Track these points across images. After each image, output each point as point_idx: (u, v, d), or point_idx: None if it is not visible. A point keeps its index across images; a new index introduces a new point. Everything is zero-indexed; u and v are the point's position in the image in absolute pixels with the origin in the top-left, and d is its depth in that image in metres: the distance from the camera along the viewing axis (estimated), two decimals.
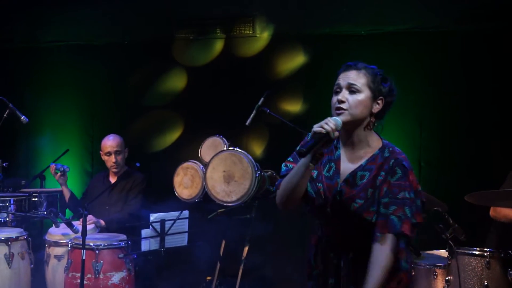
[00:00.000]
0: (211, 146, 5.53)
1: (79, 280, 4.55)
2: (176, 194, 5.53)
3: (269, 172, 5.51)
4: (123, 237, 5.00)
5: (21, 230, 5.23)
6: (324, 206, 2.90)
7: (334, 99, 2.84)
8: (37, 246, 5.30)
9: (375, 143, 2.89)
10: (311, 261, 3.06)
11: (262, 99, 5.26)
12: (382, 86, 2.84)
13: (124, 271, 4.83)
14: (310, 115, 6.36)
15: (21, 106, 5.16)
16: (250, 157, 5.18)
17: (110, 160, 5.67)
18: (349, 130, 2.85)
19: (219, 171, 5.24)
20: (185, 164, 5.53)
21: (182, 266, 5.79)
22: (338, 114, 2.78)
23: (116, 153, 5.65)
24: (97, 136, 6.60)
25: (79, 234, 4.63)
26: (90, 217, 5.20)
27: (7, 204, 5.49)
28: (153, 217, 4.88)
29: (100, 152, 5.76)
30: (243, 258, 5.37)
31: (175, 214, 4.99)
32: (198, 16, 6.84)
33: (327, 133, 2.66)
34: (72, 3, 6.74)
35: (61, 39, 7.21)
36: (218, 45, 6.82)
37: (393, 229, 2.71)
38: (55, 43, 7.23)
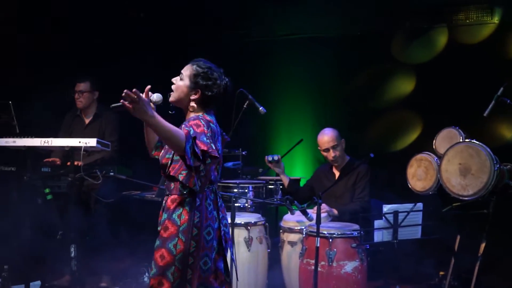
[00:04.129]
0: (446, 137, 5.38)
1: (313, 267, 4.67)
2: (409, 186, 5.46)
3: (509, 166, 5.21)
4: (356, 227, 5.01)
5: (259, 215, 5.51)
6: None
7: None
8: (272, 231, 5.53)
9: None
10: None
11: (501, 89, 4.99)
12: (200, 81, 3.34)
13: (357, 260, 4.86)
14: None
15: (258, 97, 5.39)
16: (488, 149, 4.95)
17: (329, 156, 5.69)
18: (179, 107, 3.42)
19: (454, 163, 5.07)
20: (419, 156, 5.44)
21: (415, 259, 5.70)
22: None
23: (334, 147, 5.65)
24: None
25: (313, 222, 4.74)
26: (323, 206, 5.30)
27: (246, 190, 5.79)
28: (386, 208, 4.88)
29: (318, 148, 5.82)
30: (479, 254, 5.14)
31: (408, 206, 4.94)
32: (428, 4, 6.68)
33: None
34: None
35: (295, 32, 7.44)
36: (446, 34, 6.60)
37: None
38: (289, 36, 7.49)
